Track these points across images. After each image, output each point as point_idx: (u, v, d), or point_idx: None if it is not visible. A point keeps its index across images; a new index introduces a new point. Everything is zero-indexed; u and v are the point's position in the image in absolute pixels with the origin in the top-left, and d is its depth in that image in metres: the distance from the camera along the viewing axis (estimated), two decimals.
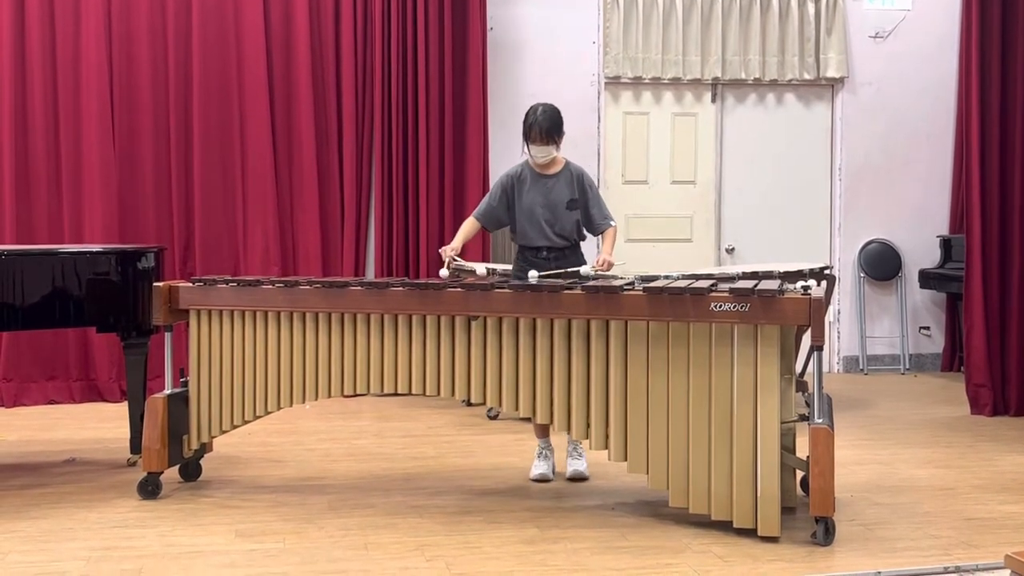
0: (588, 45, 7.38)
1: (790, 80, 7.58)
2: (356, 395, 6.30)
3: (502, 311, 3.88)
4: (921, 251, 7.75)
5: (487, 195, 4.77)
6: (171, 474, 4.37)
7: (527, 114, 4.54)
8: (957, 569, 3.41)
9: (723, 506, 3.67)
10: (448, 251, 4.56)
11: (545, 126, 4.48)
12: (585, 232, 4.70)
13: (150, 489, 4.22)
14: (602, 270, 4.49)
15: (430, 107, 6.83)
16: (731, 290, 3.64)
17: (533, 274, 4.39)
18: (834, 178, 7.77)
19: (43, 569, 3.43)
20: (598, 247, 4.95)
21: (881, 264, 7.75)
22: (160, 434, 4.19)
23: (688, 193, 7.60)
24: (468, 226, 4.72)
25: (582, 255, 4.66)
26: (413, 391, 4.02)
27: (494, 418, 5.95)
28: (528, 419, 4.35)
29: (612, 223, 4.67)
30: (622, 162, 7.54)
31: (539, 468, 4.53)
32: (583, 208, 4.62)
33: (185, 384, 4.33)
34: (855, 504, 4.13)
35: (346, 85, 6.84)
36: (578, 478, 4.51)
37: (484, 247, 6.89)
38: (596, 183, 4.81)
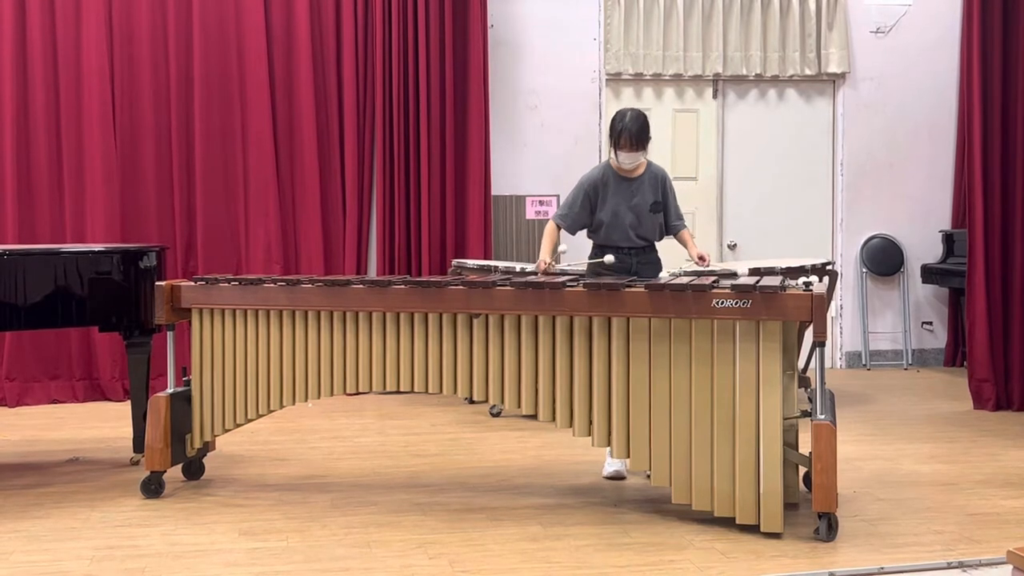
0: (589, 42, 7.37)
1: (791, 76, 7.57)
2: (358, 393, 6.32)
3: (504, 308, 3.88)
4: (923, 246, 7.75)
5: (567, 199, 4.72)
6: (174, 473, 4.38)
7: (614, 120, 4.53)
8: (960, 564, 3.41)
9: (726, 502, 3.67)
10: (546, 267, 4.55)
11: (635, 132, 4.45)
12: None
13: (153, 488, 4.23)
14: (707, 265, 4.58)
15: (431, 104, 6.83)
16: (733, 286, 3.64)
17: (609, 258, 4.49)
18: (836, 173, 7.76)
19: (46, 568, 3.43)
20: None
21: (883, 259, 7.74)
22: (163, 433, 4.19)
23: (690, 189, 7.58)
24: (552, 232, 4.71)
25: (657, 253, 4.67)
26: (415, 389, 4.02)
27: (497, 415, 5.95)
28: (531, 416, 4.34)
29: (685, 225, 4.74)
30: None
31: (613, 465, 4.48)
32: (664, 210, 4.64)
33: (188, 383, 4.33)
34: (858, 500, 4.13)
35: (347, 83, 6.84)
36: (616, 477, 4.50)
37: (486, 246, 6.89)
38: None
